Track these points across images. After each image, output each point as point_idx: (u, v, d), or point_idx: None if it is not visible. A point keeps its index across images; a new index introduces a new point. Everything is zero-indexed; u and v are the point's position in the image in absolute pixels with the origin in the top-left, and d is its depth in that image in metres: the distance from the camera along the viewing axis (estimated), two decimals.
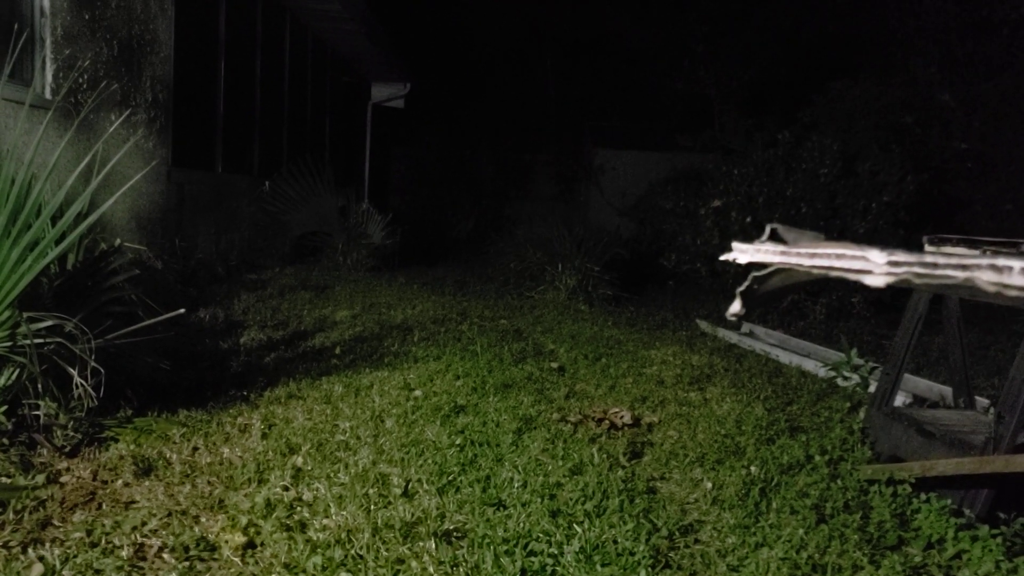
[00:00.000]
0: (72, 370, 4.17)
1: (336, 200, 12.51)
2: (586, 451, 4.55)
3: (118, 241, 5.14)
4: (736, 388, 6.20)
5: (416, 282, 11.21)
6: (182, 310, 4.65)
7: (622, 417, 5.29)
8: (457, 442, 4.54)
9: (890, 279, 0.80)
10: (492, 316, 8.98)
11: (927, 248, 4.43)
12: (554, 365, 6.71)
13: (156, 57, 9.27)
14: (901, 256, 0.73)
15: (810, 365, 6.89)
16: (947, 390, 5.70)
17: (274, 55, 13.53)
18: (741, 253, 1.03)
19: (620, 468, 4.39)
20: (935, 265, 0.70)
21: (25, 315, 4.04)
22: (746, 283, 1.03)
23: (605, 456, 4.52)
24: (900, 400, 5.56)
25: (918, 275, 0.77)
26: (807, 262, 0.90)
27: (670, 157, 13.80)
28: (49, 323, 4.07)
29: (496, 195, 15.18)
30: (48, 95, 7.36)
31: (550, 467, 4.26)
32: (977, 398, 4.93)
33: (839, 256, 0.86)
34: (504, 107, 19.18)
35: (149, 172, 9.25)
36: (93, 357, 4.21)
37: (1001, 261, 0.72)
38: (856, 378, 5.52)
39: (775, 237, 0.95)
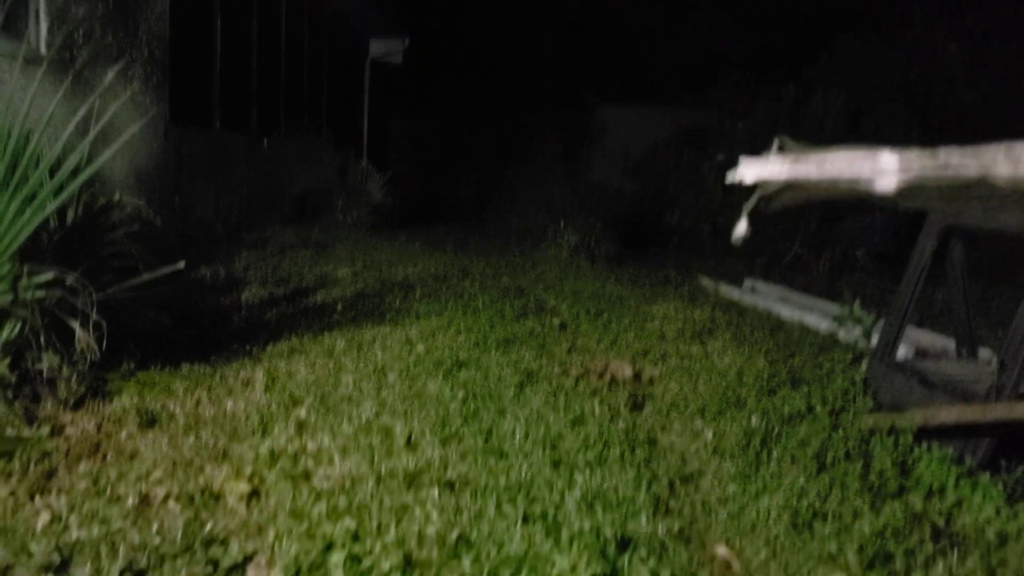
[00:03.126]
0: (74, 323, 4.16)
1: (335, 158, 12.43)
2: (587, 403, 4.56)
3: (117, 195, 5.11)
4: (737, 342, 6.20)
5: (417, 241, 11.18)
6: (182, 263, 4.63)
7: (623, 371, 5.30)
8: (459, 395, 4.56)
9: (902, 181, 0.78)
10: (494, 274, 8.97)
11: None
12: (556, 321, 6.71)
13: (151, 13, 9.16)
14: (913, 156, 0.71)
15: (812, 319, 6.89)
16: (950, 342, 5.69)
17: (271, 11, 13.36)
18: (748, 169, 1.00)
19: (621, 420, 4.40)
20: (947, 164, 0.68)
21: (26, 268, 4.03)
22: (753, 201, 1.00)
23: (606, 408, 4.53)
24: (903, 352, 5.56)
25: (930, 175, 0.75)
26: (816, 172, 0.89)
27: (673, 115, 13.69)
28: (50, 276, 4.05)
29: (497, 154, 15.07)
30: (43, 49, 7.28)
31: (551, 419, 4.28)
32: (980, 349, 4.93)
33: (849, 162, 0.84)
34: (505, 66, 18.98)
35: (147, 129, 9.19)
36: (95, 310, 4.20)
37: (1017, 149, 0.70)
38: (859, 330, 5.52)
39: (783, 151, 0.92)
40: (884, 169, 0.73)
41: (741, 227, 0.95)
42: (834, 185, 0.78)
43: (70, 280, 4.16)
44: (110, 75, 6.21)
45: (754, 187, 1.00)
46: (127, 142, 9.29)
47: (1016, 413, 3.43)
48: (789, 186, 0.87)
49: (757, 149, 8.43)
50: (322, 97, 16.16)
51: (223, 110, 11.32)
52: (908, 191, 0.82)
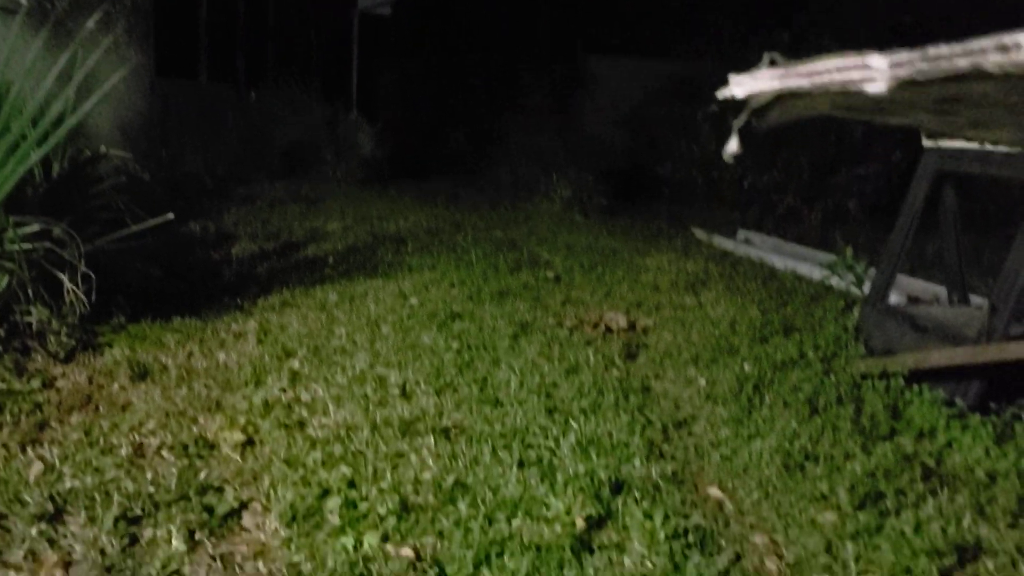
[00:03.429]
0: (62, 275, 4.13)
1: (324, 111, 12.29)
2: (582, 353, 4.56)
3: (103, 148, 5.05)
4: (731, 292, 6.20)
5: (408, 194, 11.11)
6: (170, 215, 4.59)
7: (617, 321, 5.30)
8: (454, 346, 4.55)
9: (893, 82, 0.75)
10: (486, 227, 8.93)
11: (925, 143, 4.38)
12: (550, 274, 6.70)
13: None
14: (903, 56, 0.69)
15: (805, 269, 6.89)
16: (942, 290, 5.70)
17: None
18: (739, 85, 0.98)
19: (615, 368, 4.41)
20: (938, 57, 0.67)
21: (11, 220, 3.98)
22: (743, 117, 0.98)
23: (600, 357, 4.54)
24: (895, 300, 5.56)
25: (922, 71, 0.73)
26: (807, 82, 0.86)
27: (664, 66, 13.52)
28: (36, 227, 4.02)
29: (488, 107, 14.91)
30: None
31: (546, 368, 4.28)
32: (972, 297, 4.93)
33: (840, 69, 0.81)
34: (496, 17, 18.70)
35: (132, 82, 9.05)
36: (83, 262, 4.18)
37: (1007, 38, 0.68)
38: (851, 278, 5.52)
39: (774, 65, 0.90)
40: (874, 71, 0.72)
41: (732, 144, 0.94)
42: (825, 93, 0.76)
43: (57, 231, 4.13)
44: (90, 23, 6.08)
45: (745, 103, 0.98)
46: (112, 96, 9.15)
47: (1006, 354, 3.44)
48: (780, 99, 0.85)
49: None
50: (310, 49, 15.91)
51: (210, 62, 11.17)
52: (899, 101, 0.80)
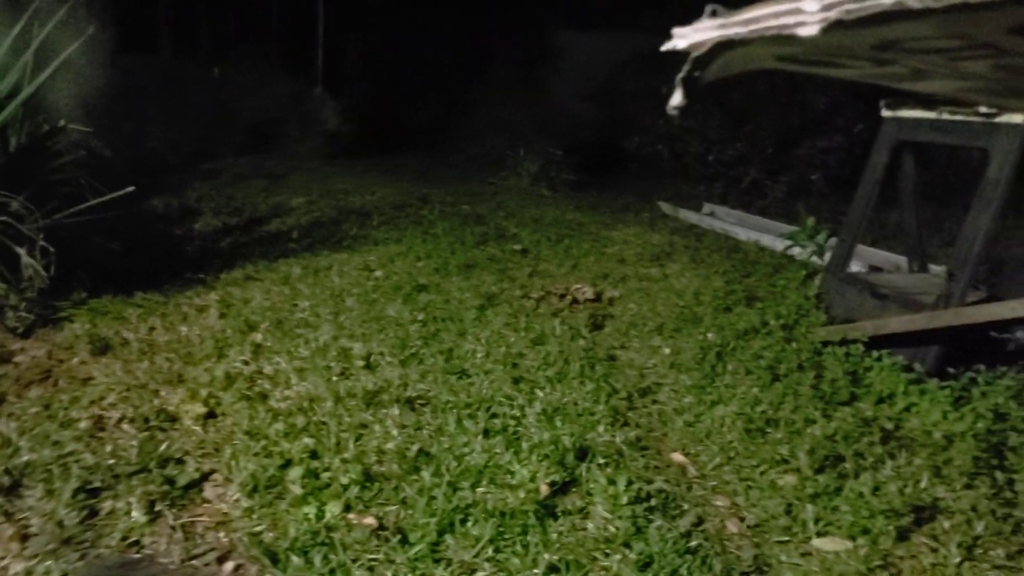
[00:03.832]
0: (20, 250, 4.06)
1: (288, 86, 12.15)
2: (548, 324, 4.57)
3: (62, 122, 4.95)
4: (695, 264, 6.24)
5: (375, 170, 11.02)
6: (131, 188, 4.53)
7: (584, 292, 5.32)
8: (419, 318, 4.54)
9: (824, 23, 0.75)
10: (453, 202, 8.89)
11: (884, 113, 4.42)
12: (517, 247, 6.69)
13: None
14: None
15: (768, 240, 6.94)
16: (902, 260, 5.78)
17: None
18: (681, 37, 0.97)
19: (581, 338, 4.42)
20: None
21: None
22: (685, 69, 0.98)
23: (567, 328, 4.55)
24: (856, 269, 5.63)
25: (850, 11, 0.73)
26: (744, 29, 0.86)
27: (632, 38, 13.46)
28: None
29: (456, 82, 14.80)
30: None
31: (512, 339, 4.28)
32: (932, 266, 5.00)
33: (775, 15, 0.81)
34: None
35: (92, 56, 8.86)
36: (41, 236, 4.11)
37: None
38: (812, 247, 5.56)
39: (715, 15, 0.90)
40: (806, 15, 0.72)
41: (676, 97, 0.94)
42: (762, 40, 0.76)
43: (15, 205, 4.06)
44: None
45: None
46: (72, 71, 8.97)
47: (962, 318, 3.50)
48: (720, 50, 0.85)
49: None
50: (275, 24, 15.72)
51: (172, 37, 11.00)
52: (837, 48, 0.80)
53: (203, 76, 11.77)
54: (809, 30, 0.77)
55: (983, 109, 3.68)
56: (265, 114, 12.04)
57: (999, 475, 2.96)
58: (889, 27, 0.75)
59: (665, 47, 1.01)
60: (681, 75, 0.99)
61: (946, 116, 3.97)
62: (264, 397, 3.42)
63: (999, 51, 0.84)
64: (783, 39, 0.82)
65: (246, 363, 3.78)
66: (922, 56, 0.89)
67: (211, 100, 11.63)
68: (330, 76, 13.71)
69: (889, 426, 3.36)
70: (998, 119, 3.67)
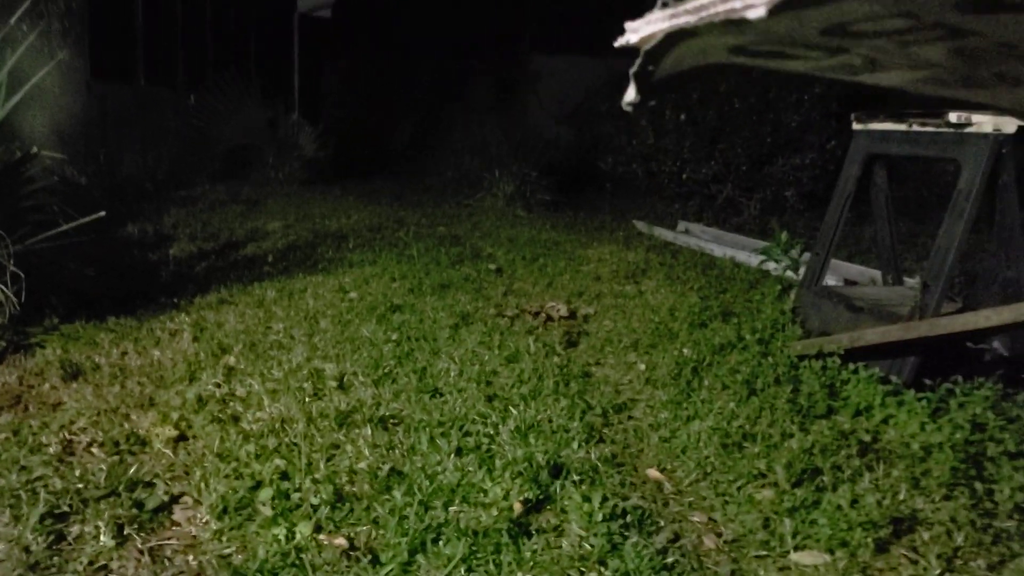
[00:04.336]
0: None
1: (264, 112, 12.12)
2: (522, 342, 4.55)
3: (35, 149, 4.91)
4: (671, 281, 6.25)
5: (351, 194, 11.00)
6: (102, 213, 4.48)
7: (558, 310, 5.31)
8: (393, 337, 4.51)
9: (771, 4, 0.75)
10: (429, 224, 8.88)
11: (855, 126, 4.45)
12: (492, 267, 6.68)
13: None
14: None
15: (743, 256, 6.96)
16: (877, 274, 5.81)
17: None
18: (633, 32, 0.96)
19: (556, 356, 4.41)
20: None
21: None
22: (638, 63, 0.97)
23: (541, 345, 4.53)
24: (831, 283, 5.65)
25: None
26: (694, 18, 0.85)
27: (607, 62, 13.58)
28: None
29: (433, 106, 14.84)
30: None
31: (486, 357, 4.26)
32: (906, 280, 5.03)
33: (724, 0, 0.81)
34: (439, 17, 18.61)
35: (68, 85, 8.87)
36: (12, 262, 4.06)
37: None
38: (787, 261, 5.58)
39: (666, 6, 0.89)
40: (752, 2, 0.71)
41: (629, 93, 0.92)
42: (711, 28, 0.75)
43: None
44: (12, 21, 5.92)
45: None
46: (46, 98, 8.94)
47: (937, 329, 3.51)
48: (672, 42, 0.84)
49: (688, 92, 8.36)
50: (250, 52, 15.70)
51: (147, 64, 10.95)
52: (788, 36, 0.79)
53: (179, 102, 11.72)
54: (757, 12, 0.76)
55: (953, 119, 3.72)
56: (241, 140, 12.00)
57: (978, 485, 2.95)
58: (837, 5, 0.74)
59: (618, 42, 1.00)
60: (633, 70, 0.98)
61: (916, 128, 4.00)
62: (236, 419, 3.38)
63: (951, 32, 0.83)
64: (733, 26, 0.81)
65: (218, 386, 3.73)
66: (874, 42, 0.88)
67: (187, 126, 11.59)
68: (307, 102, 13.72)
69: (867, 438, 3.35)
70: (968, 130, 3.70)
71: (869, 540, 2.58)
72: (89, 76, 9.42)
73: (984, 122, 3.64)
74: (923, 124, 3.92)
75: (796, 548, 2.60)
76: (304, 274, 6.08)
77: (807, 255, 5.39)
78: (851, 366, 3.98)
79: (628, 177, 10.75)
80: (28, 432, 3.18)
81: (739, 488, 2.98)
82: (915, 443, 3.28)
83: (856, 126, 4.40)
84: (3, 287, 4.02)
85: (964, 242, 3.72)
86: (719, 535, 2.72)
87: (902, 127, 4.08)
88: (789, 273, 5.59)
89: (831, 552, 2.56)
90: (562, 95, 14.45)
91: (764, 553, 2.59)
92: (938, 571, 2.46)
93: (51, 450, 3.03)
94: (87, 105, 9.37)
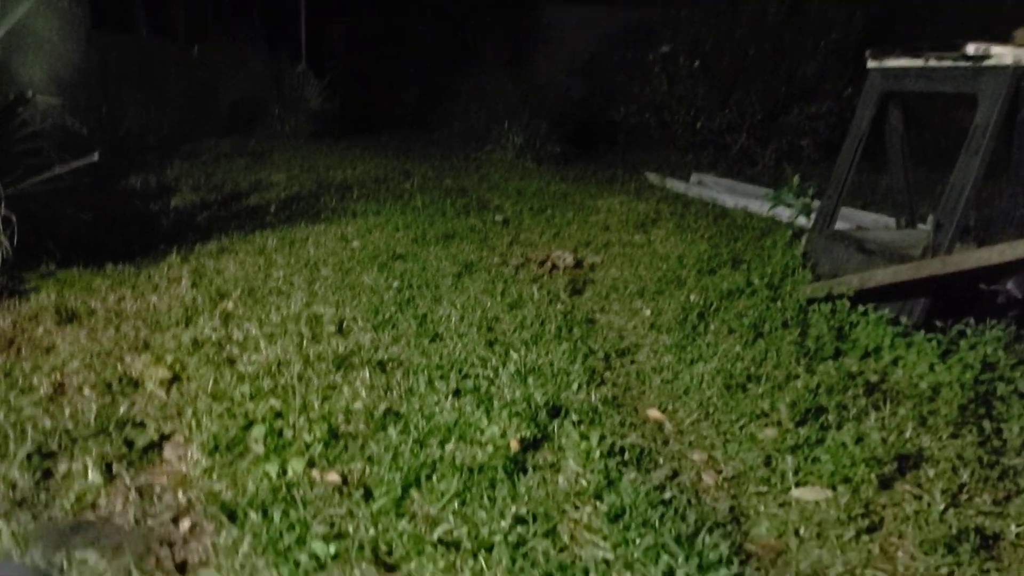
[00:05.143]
0: None
1: (270, 65, 11.97)
2: (526, 289, 4.48)
3: (29, 92, 4.83)
4: (681, 230, 6.14)
5: (358, 147, 10.87)
6: (95, 156, 4.42)
7: (564, 259, 5.22)
8: (395, 285, 4.45)
9: None
10: (436, 176, 8.77)
11: (870, 63, 4.31)
12: (498, 218, 6.58)
13: None
14: None
15: (756, 206, 6.84)
16: (891, 222, 5.69)
17: None
18: None
19: (560, 303, 4.33)
20: None
21: None
22: None
23: (545, 293, 4.46)
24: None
25: None
26: None
27: (617, 13, 13.36)
28: None
29: (442, 58, 14.62)
30: None
31: (489, 304, 4.19)
32: (920, 225, 4.91)
33: None
34: None
35: (67, 35, 8.76)
36: (3, 204, 4.00)
37: None
38: (799, 205, 5.45)
39: None
40: None
41: None
42: None
43: None
44: None
45: None
46: (46, 48, 8.83)
47: (950, 266, 3.41)
48: None
49: (701, 38, 8.19)
50: (255, 1, 15.46)
51: (149, 14, 10.80)
52: None
53: (182, 55, 11.59)
54: None
55: (971, 52, 3.58)
56: (246, 93, 11.86)
57: (987, 424, 2.87)
58: None
59: None
60: None
61: (933, 63, 3.86)
62: (231, 362, 3.33)
63: None
64: None
65: (215, 330, 3.68)
66: None
67: (192, 80, 11.44)
68: (314, 53, 13.54)
69: (874, 378, 3.27)
70: (986, 63, 3.57)
71: (873, 476, 2.52)
72: (90, 26, 9.30)
73: (1003, 54, 3.50)
74: (940, 59, 3.78)
75: (797, 484, 2.54)
76: (307, 223, 6.01)
77: (819, 202, 5.27)
78: (860, 308, 3.90)
79: (641, 128, 10.59)
80: (19, 374, 3.14)
81: (741, 427, 2.92)
82: (923, 383, 3.20)
83: (871, 63, 4.26)
84: None
85: (980, 179, 3.60)
86: (719, 472, 2.66)
87: (918, 62, 3.94)
88: (801, 219, 5.47)
89: (833, 488, 2.50)
90: (574, 46, 14.21)
91: (764, 489, 2.53)
92: (943, 506, 2.40)
93: (41, 391, 2.99)
94: (88, 56, 9.27)
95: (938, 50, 3.79)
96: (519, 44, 15.28)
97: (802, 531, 2.32)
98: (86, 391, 3.02)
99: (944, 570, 2.16)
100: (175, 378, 3.18)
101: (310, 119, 11.71)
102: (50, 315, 3.80)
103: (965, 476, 2.56)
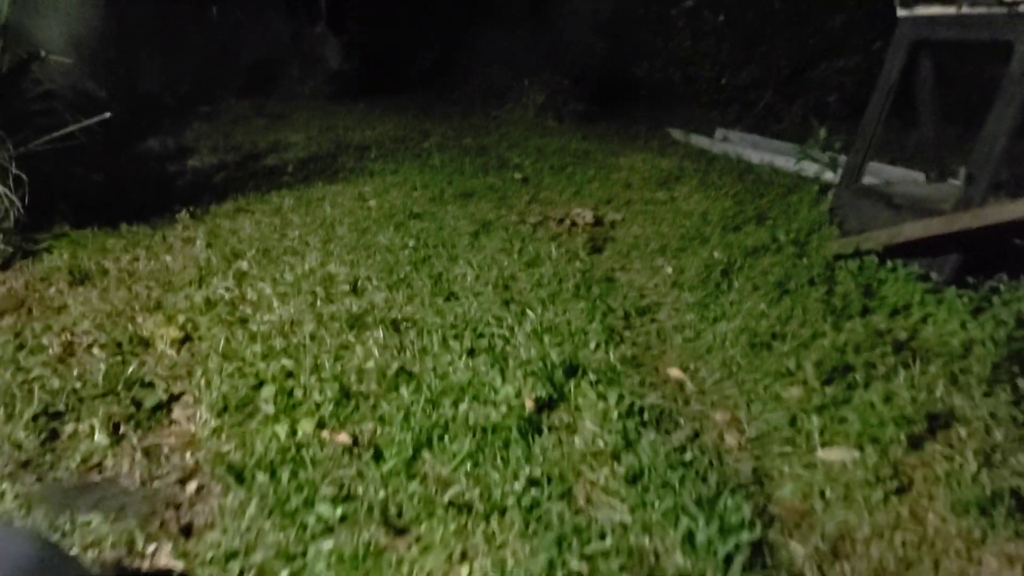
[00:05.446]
0: None
1: (289, 24, 11.83)
2: (544, 247, 4.39)
3: (42, 52, 4.76)
4: (704, 187, 5.99)
5: (377, 107, 10.73)
6: (107, 114, 4.35)
7: (584, 217, 5.11)
8: (411, 244, 4.37)
9: None
10: (455, 135, 8.64)
11: (900, 12, 4.14)
12: (518, 176, 6.46)
13: None
14: None
15: (782, 161, 6.66)
16: (920, 176, 5.51)
17: None
18: None
19: (578, 261, 4.23)
20: None
21: None
22: None
23: (564, 251, 4.36)
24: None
25: None
26: None
27: None
28: None
29: (461, 15, 14.39)
30: None
31: (506, 263, 4.10)
32: (950, 180, 4.74)
33: None
34: None
35: None
36: (14, 164, 3.95)
37: None
38: (825, 159, 5.28)
39: None
40: None
41: None
42: None
43: None
44: None
45: None
46: (63, 9, 8.75)
47: (982, 219, 3.27)
48: None
49: None
50: None
51: None
52: None
53: (201, 15, 11.47)
54: None
55: None
56: (266, 54, 11.73)
57: (1021, 382, 2.76)
58: None
59: None
60: None
61: (966, 10, 3.69)
62: (244, 321, 3.27)
63: None
64: None
65: (228, 290, 3.62)
66: None
67: (210, 41, 11.33)
68: (334, 13, 13.35)
69: (903, 336, 3.16)
70: (1022, 7, 3.40)
71: (902, 436, 2.43)
72: None
73: None
74: (973, 5, 3.61)
75: (823, 445, 2.45)
76: (324, 183, 5.93)
77: (846, 157, 5.11)
78: (889, 265, 3.77)
79: (665, 84, 10.35)
80: (29, 334, 3.10)
81: (765, 387, 2.83)
82: (955, 340, 3.09)
83: (901, 11, 4.08)
84: (6, 191, 3.91)
85: (1014, 129, 3.44)
86: (742, 432, 2.58)
87: (951, 10, 3.76)
88: (828, 174, 5.31)
89: (860, 449, 2.41)
90: (597, 2, 13.90)
91: (789, 450, 2.44)
92: (975, 467, 2.30)
93: (51, 351, 2.95)
94: (105, 17, 9.15)
95: None
96: (542, 2, 14.97)
97: (828, 493, 2.23)
98: (95, 351, 2.98)
99: (977, 533, 2.07)
100: (186, 338, 3.13)
101: (329, 80, 11.58)
102: (62, 276, 3.76)
103: (999, 436, 2.46)
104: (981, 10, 3.63)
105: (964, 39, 3.86)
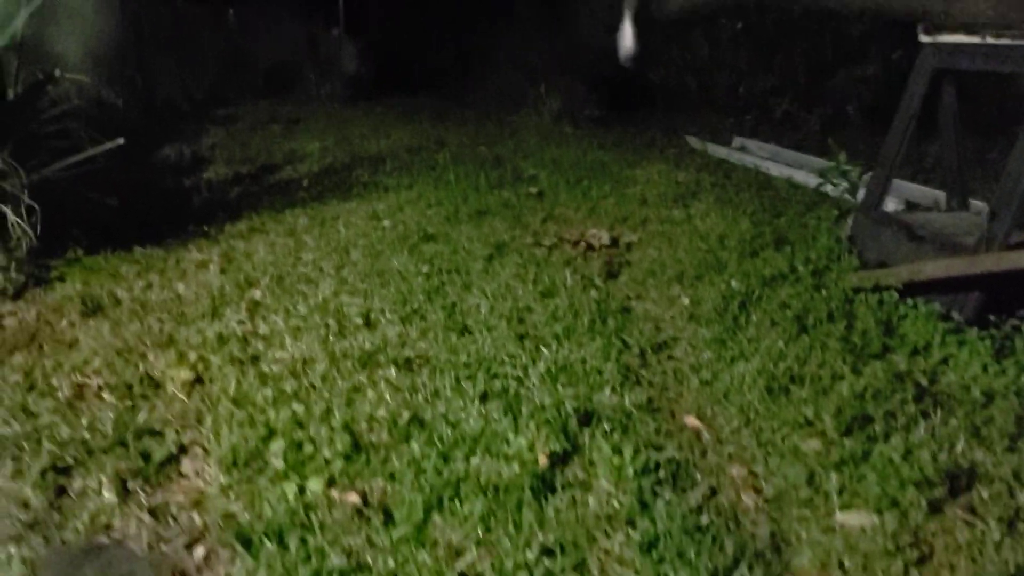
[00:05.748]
0: (5, 208, 3.90)
1: (305, 29, 11.82)
2: (559, 274, 4.34)
3: (57, 71, 4.74)
4: (722, 203, 5.93)
5: (393, 112, 10.70)
6: (120, 140, 4.33)
7: (600, 238, 5.06)
8: (424, 270, 4.33)
9: None
10: (470, 143, 8.60)
11: (922, 38, 4.06)
12: (533, 190, 6.41)
13: None
14: None
15: (801, 176, 6.59)
16: (942, 196, 5.43)
17: None
18: None
19: (594, 289, 4.18)
20: None
21: None
22: None
23: (579, 278, 4.31)
24: (892, 206, 5.30)
25: None
26: None
27: None
28: None
29: (478, 18, 14.34)
30: None
31: (520, 292, 4.06)
32: (972, 201, 4.67)
33: None
34: None
35: (100, 5, 8.66)
36: (26, 193, 3.94)
37: None
38: (845, 184, 5.22)
39: None
40: None
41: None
42: None
43: None
44: None
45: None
46: (78, 19, 8.76)
47: (1005, 263, 3.20)
48: None
49: (744, 2, 7.84)
50: None
51: None
52: None
53: (217, 20, 11.46)
54: None
55: None
56: (282, 58, 11.73)
57: None
58: None
59: None
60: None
61: (990, 40, 3.61)
62: (255, 360, 3.25)
63: None
64: None
65: (241, 323, 3.60)
66: None
67: (227, 46, 11.33)
68: (350, 17, 13.33)
69: (923, 381, 3.11)
70: None
71: (922, 500, 2.37)
72: None
73: None
74: (998, 36, 3.54)
75: (842, 508, 2.40)
76: (338, 200, 5.90)
77: (867, 177, 5.03)
78: (909, 301, 3.71)
79: (682, 90, 10.27)
80: (40, 374, 3.09)
81: (783, 438, 2.78)
82: (976, 387, 3.04)
83: (924, 38, 4.01)
84: (19, 220, 3.90)
85: None
86: (758, 492, 2.53)
87: (975, 39, 3.69)
88: (847, 196, 5.23)
89: (879, 512, 2.35)
90: (612, 4, 13.81)
91: (807, 513, 2.39)
92: (998, 535, 2.25)
93: (61, 394, 2.93)
94: (121, 25, 9.19)
95: (997, 27, 3.54)
96: (556, 4, 14.90)
97: (846, 562, 2.18)
98: (106, 395, 2.96)
99: None
100: (197, 379, 3.10)
101: (346, 83, 11.55)
102: (75, 306, 3.75)
103: (1023, 499, 2.40)
104: (1005, 41, 3.56)
105: (988, 70, 3.78)
